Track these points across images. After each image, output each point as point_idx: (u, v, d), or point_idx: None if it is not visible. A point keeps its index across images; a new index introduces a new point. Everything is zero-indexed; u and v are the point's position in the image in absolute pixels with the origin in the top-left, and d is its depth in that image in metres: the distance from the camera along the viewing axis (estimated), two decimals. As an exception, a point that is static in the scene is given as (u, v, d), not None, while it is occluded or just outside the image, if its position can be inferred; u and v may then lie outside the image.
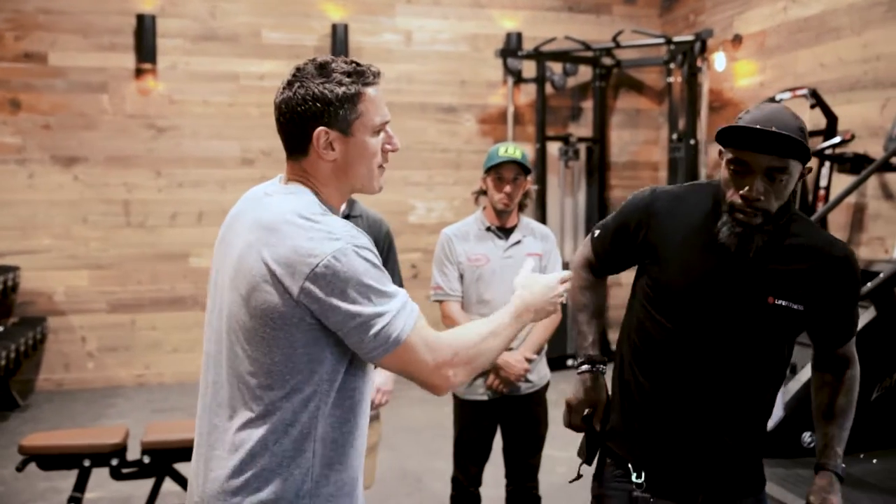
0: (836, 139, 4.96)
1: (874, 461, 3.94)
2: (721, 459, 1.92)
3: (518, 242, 3.21)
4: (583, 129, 7.42)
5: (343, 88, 1.58)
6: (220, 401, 1.60)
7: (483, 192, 3.26)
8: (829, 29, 5.47)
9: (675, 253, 1.94)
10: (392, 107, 6.80)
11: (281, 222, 1.52)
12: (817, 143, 5.19)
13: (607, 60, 7.22)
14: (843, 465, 1.94)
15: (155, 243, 6.57)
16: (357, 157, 1.63)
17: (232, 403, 1.58)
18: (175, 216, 6.63)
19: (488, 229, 3.21)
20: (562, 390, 2.17)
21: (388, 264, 2.92)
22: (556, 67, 7.07)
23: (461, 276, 3.20)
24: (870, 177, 4.24)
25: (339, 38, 6.67)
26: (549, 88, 7.09)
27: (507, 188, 3.10)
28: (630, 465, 1.98)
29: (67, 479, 3.80)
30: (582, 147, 7.30)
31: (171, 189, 6.63)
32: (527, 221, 3.29)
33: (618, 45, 6.69)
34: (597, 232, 2.12)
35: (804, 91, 5.18)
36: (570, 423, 2.11)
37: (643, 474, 1.95)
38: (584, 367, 2.10)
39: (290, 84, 1.60)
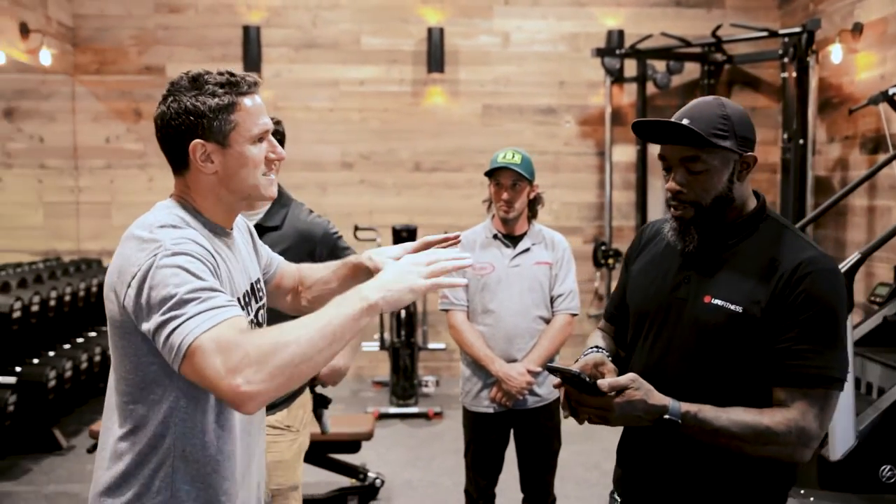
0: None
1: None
2: (702, 487, 1.71)
3: (526, 250, 3.11)
4: (691, 129, 7.04)
5: (216, 100, 1.56)
6: (109, 405, 1.64)
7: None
8: (952, 14, 4.88)
9: (640, 269, 1.91)
10: (488, 109, 6.76)
11: (128, 235, 1.54)
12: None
13: (718, 56, 6.81)
14: (685, 413, 1.58)
15: (259, 243, 6.89)
16: (238, 167, 1.59)
17: (114, 411, 1.62)
18: (278, 218, 6.93)
19: (495, 237, 3.14)
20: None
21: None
22: (659, 66, 6.76)
23: (466, 286, 3.14)
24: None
25: (434, 42, 6.71)
26: (653, 88, 6.80)
27: (505, 195, 3.02)
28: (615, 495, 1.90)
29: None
30: (688, 148, 6.92)
31: (274, 192, 6.92)
32: (538, 229, 3.17)
33: (718, 41, 6.29)
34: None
35: (916, 85, 4.65)
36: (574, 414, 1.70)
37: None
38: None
39: (164, 99, 1.59)
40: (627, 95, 6.97)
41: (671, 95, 6.99)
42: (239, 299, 1.65)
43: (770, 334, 1.62)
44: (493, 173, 3.03)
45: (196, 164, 1.58)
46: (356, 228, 6.16)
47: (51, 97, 6.75)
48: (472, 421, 3.18)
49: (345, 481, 4.27)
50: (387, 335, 6.01)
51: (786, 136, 6.16)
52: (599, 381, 1.57)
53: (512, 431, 3.18)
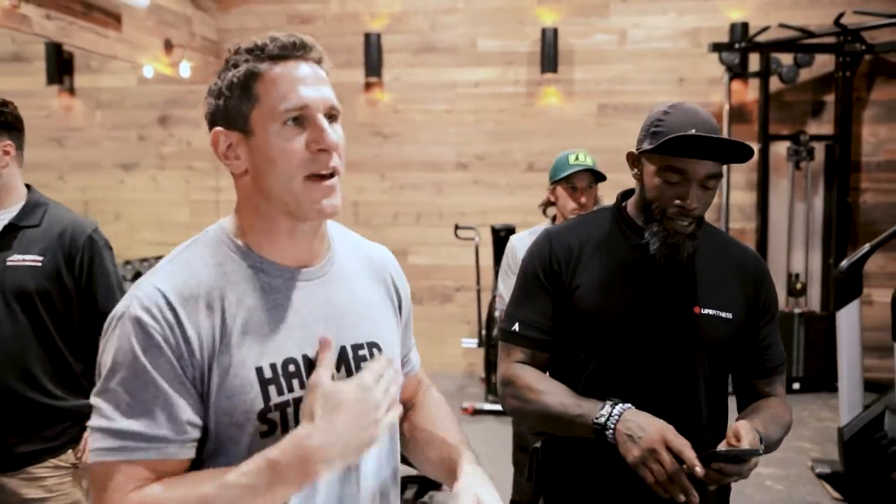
0: None
1: None
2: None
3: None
4: (825, 125, 6.58)
5: (234, 72, 1.15)
6: None
7: (552, 203, 3.11)
8: None
9: (594, 279, 1.73)
10: (604, 109, 6.73)
11: None
12: None
13: (857, 46, 6.30)
14: (763, 437, 1.55)
15: (378, 241, 7.18)
16: (265, 161, 1.13)
17: None
18: (396, 216, 7.23)
19: (557, 241, 3.12)
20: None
21: (89, 282, 2.32)
22: (786, 59, 6.37)
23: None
24: None
25: (548, 42, 6.72)
26: (779, 83, 6.42)
27: (582, 198, 2.93)
28: None
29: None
30: (819, 146, 6.48)
31: (393, 191, 7.23)
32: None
33: (843, 29, 5.84)
34: (514, 326, 1.76)
35: None
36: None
37: None
38: (613, 409, 1.58)
39: None
40: (752, 91, 6.62)
41: (801, 90, 6.57)
42: (283, 363, 1.15)
43: (749, 335, 1.76)
44: (567, 176, 2.92)
45: (223, 162, 1.17)
46: (456, 227, 6.30)
47: (197, 105, 7.40)
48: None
49: (411, 471, 4.42)
50: (484, 332, 6.11)
51: (925, 132, 5.63)
52: (748, 447, 1.47)
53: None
